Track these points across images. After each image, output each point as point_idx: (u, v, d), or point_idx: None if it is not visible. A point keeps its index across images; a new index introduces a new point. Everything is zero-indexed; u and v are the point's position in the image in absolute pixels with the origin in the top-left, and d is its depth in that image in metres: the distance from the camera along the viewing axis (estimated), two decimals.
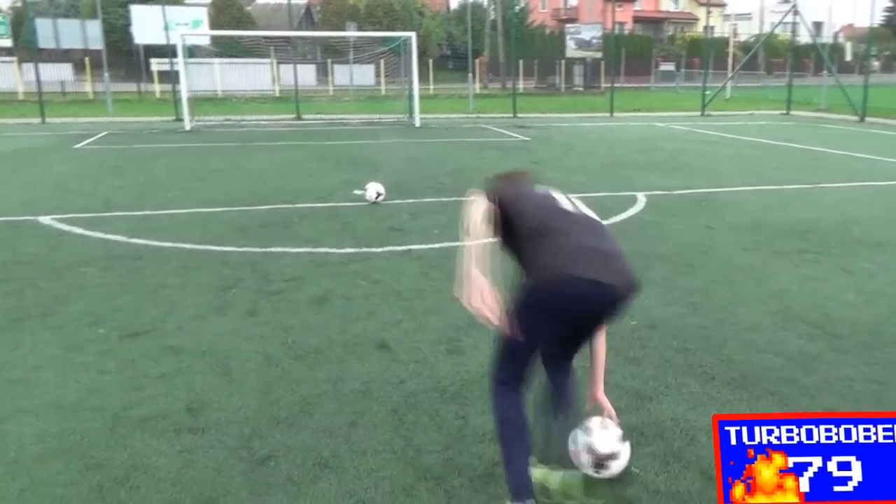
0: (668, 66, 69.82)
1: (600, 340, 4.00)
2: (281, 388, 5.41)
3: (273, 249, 9.15)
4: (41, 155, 18.79)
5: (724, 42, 67.05)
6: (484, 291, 3.42)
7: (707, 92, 35.44)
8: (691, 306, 7.14)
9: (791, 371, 5.68)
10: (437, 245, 9.37)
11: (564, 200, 3.74)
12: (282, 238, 9.75)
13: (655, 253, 9.00)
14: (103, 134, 24.16)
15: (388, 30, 36.65)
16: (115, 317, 6.86)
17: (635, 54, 70.70)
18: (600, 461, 3.85)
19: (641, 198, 12.56)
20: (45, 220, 10.82)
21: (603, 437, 3.88)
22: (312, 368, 5.75)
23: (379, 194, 11.91)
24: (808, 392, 5.32)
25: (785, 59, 50.79)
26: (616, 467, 3.88)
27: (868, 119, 30.48)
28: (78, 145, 21.01)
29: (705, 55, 43.29)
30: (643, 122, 29.68)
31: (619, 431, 3.95)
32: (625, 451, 3.92)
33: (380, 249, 9.08)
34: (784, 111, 35.57)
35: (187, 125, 26.22)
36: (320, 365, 5.82)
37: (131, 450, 4.52)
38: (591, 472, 3.87)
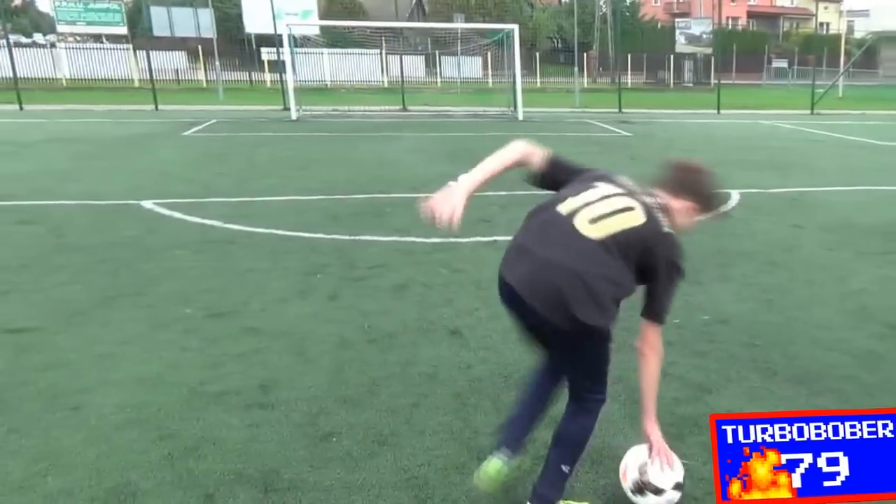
0: (781, 63, 67.90)
1: (643, 369, 3.70)
2: (352, 369, 5.57)
3: (361, 237, 9.33)
4: (150, 141, 19.31)
5: (838, 39, 64.94)
6: (452, 197, 3.47)
7: (818, 90, 34.52)
8: (766, 303, 7.08)
9: (855, 369, 5.63)
10: None
11: (588, 204, 3.47)
12: (371, 226, 9.93)
13: (739, 250, 8.93)
14: (212, 122, 24.72)
15: (497, 21, 36.68)
16: (202, 298, 7.11)
17: (748, 50, 69.04)
18: (642, 487, 3.81)
19: (734, 195, 12.36)
20: (147, 204, 11.18)
21: (660, 471, 3.80)
22: (384, 352, 5.90)
23: None
24: (868, 390, 5.27)
25: None
26: (653, 502, 3.81)
27: None
28: (186, 132, 21.52)
29: (817, 52, 42.04)
30: (749, 120, 29.10)
31: (680, 474, 3.85)
32: (672, 495, 3.80)
33: (465, 240, 9.16)
34: None
35: (293, 114, 26.61)
36: (392, 349, 5.96)
37: (203, 422, 4.74)
38: (628, 491, 3.88)
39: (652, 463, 3.79)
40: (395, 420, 4.81)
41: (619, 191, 3.51)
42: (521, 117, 27.69)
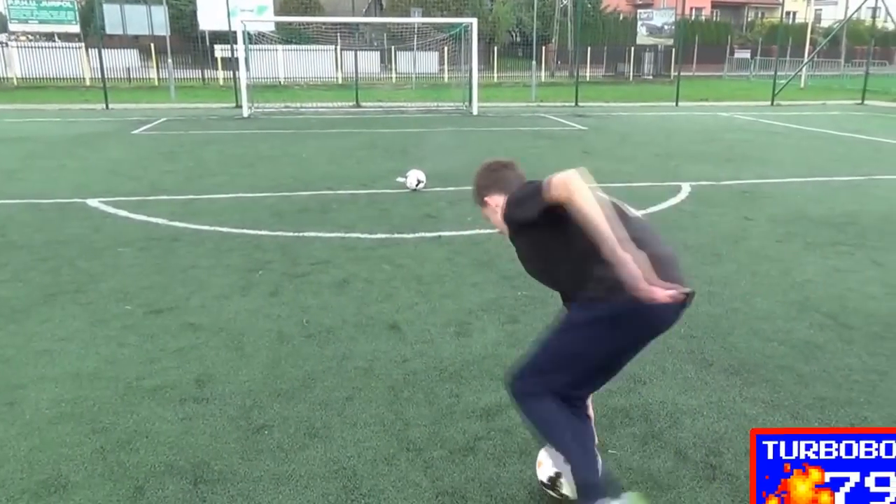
0: (744, 54, 67.80)
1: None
2: (288, 364, 5.57)
3: (306, 234, 9.31)
4: (99, 140, 19.20)
5: (803, 28, 64.79)
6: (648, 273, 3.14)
7: (780, 81, 34.61)
8: (708, 295, 7.10)
9: (792, 359, 5.67)
10: (467, 232, 9.41)
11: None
12: (317, 223, 9.91)
13: (686, 243, 8.95)
14: (162, 120, 24.55)
15: (455, 15, 36.55)
16: (143, 295, 7.11)
17: (711, 41, 68.85)
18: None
19: (686, 188, 12.47)
20: (93, 202, 11.17)
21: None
22: (321, 346, 5.90)
23: (419, 182, 12.02)
24: (803, 380, 5.31)
25: (867, 47, 49.24)
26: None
27: None
28: (136, 131, 21.39)
29: (780, 42, 42.16)
30: (707, 112, 29.17)
31: None
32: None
33: (411, 235, 9.18)
34: (858, 101, 34.71)
35: (245, 112, 26.46)
36: (329, 343, 5.97)
37: (137, 416, 4.76)
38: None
39: None
40: (328, 413, 4.81)
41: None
42: (475, 112, 27.67)
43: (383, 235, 9.20)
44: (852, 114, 29.23)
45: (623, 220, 3.31)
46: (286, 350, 5.83)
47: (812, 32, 59.54)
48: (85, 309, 6.73)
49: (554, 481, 3.79)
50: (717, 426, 4.64)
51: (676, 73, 37.28)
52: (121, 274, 7.76)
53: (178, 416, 4.75)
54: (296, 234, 9.32)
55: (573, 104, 32.13)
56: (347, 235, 9.27)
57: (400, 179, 12.38)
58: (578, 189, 3.15)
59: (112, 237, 9.19)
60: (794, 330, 6.26)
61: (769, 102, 33.53)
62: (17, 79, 42.79)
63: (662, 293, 3.09)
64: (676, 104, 32.84)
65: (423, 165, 12.87)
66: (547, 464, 3.84)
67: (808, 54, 49.43)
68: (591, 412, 3.85)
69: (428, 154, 16.61)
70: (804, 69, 43.76)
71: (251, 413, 4.80)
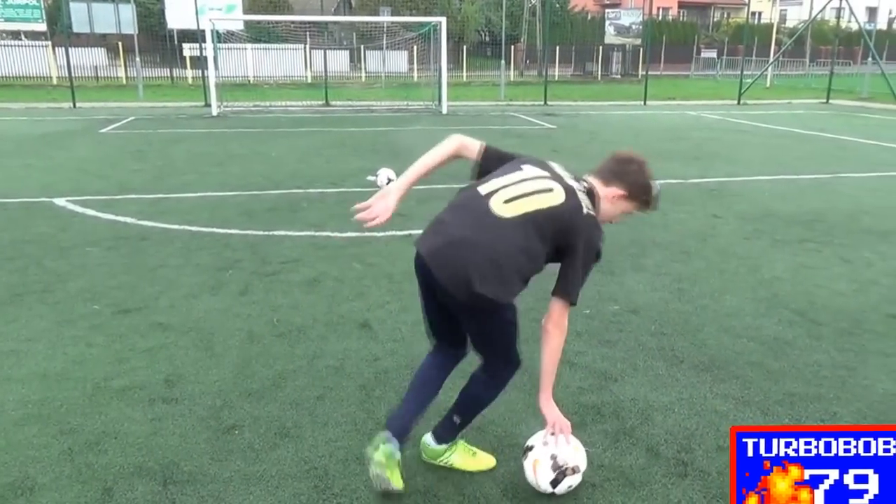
0: (710, 54, 68.02)
1: (547, 346, 3.79)
2: (258, 363, 5.54)
3: (276, 233, 9.26)
4: (66, 139, 18.93)
5: (769, 28, 65.10)
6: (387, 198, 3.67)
7: (745, 80, 34.75)
8: (677, 292, 7.16)
9: (761, 356, 5.71)
10: None
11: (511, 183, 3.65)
12: (286, 222, 9.86)
13: (654, 240, 9.00)
14: (130, 119, 24.26)
15: (425, 14, 36.43)
16: (111, 294, 7.04)
17: (677, 41, 69.06)
18: (563, 472, 3.85)
19: (654, 187, 12.37)
20: (60, 202, 11.03)
21: (573, 450, 3.90)
22: (292, 346, 5.88)
23: (390, 180, 11.89)
24: (773, 376, 5.35)
25: (831, 47, 49.38)
26: (574, 482, 3.90)
27: None
28: (103, 130, 21.10)
29: (746, 42, 42.35)
30: (675, 111, 29.27)
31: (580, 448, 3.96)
32: (582, 467, 3.92)
33: (381, 234, 9.12)
34: (824, 100, 34.84)
35: (214, 111, 26.23)
36: (300, 342, 5.94)
37: (105, 417, 4.71)
38: (547, 486, 3.87)
39: (556, 443, 3.87)
40: (299, 413, 4.79)
41: (543, 174, 3.67)
42: (444, 111, 27.58)
43: (354, 234, 9.14)
44: (817, 112, 29.40)
45: (469, 190, 3.71)
46: (256, 349, 5.79)
47: (777, 32, 59.82)
48: (52, 309, 6.65)
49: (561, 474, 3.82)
50: (689, 423, 4.67)
51: (644, 73, 37.41)
52: (88, 273, 7.68)
53: (148, 417, 4.70)
54: (266, 232, 9.26)
55: (542, 103, 32.11)
56: (318, 234, 9.24)
57: (370, 178, 12.35)
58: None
59: (80, 236, 9.09)
60: (764, 326, 6.31)
61: (736, 101, 33.65)
62: None
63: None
64: (644, 103, 32.86)
65: (393, 164, 12.80)
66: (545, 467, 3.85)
67: (774, 54, 49.71)
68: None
69: (399, 152, 16.50)
70: (770, 69, 44.01)
71: (221, 413, 4.77)
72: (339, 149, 17.49)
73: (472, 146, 3.89)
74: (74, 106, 28.47)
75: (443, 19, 28.21)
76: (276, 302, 6.86)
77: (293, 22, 40.58)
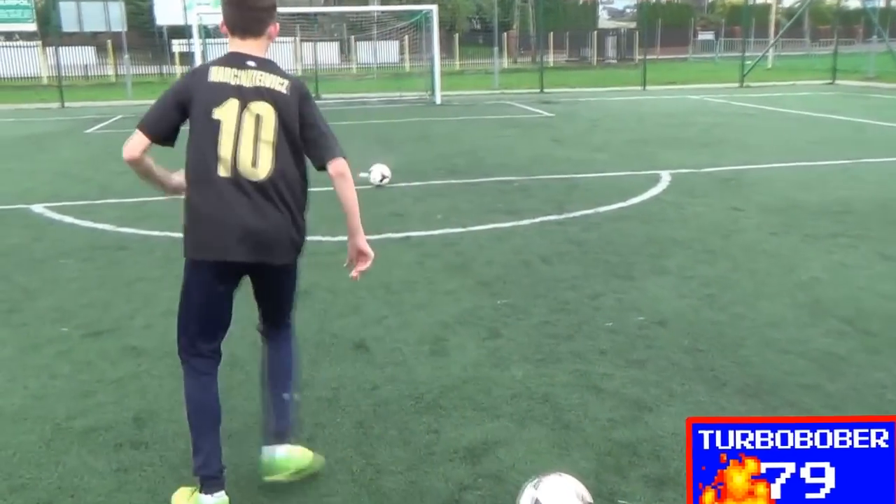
0: (708, 36, 67.15)
1: (346, 194, 3.90)
2: (240, 394, 4.89)
3: None
4: (51, 140, 18.52)
5: (766, 9, 64.22)
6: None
7: (746, 62, 34.01)
8: (707, 299, 6.45)
9: (815, 376, 4.98)
10: (437, 231, 8.79)
11: None
12: None
13: (673, 238, 8.33)
14: (117, 118, 23.81)
15: (415, 3, 35.66)
16: (82, 313, 6.49)
17: (673, 24, 68.32)
18: None
19: (665, 177, 11.80)
20: (38, 208, 10.53)
21: (555, 492, 3.27)
22: None
23: (384, 177, 11.34)
24: (833, 402, 4.61)
25: (832, 26, 48.36)
26: None
27: None
28: (89, 130, 20.70)
29: (745, 23, 41.53)
30: (677, 96, 28.58)
31: (577, 486, 3.32)
32: None
33: (376, 237, 8.41)
34: (829, 81, 33.71)
35: None
36: None
37: (63, 468, 4.10)
38: None
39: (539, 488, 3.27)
40: None
41: (236, 107, 3.50)
42: (438, 101, 27.05)
43: (345, 238, 8.46)
44: (824, 94, 28.59)
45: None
46: (238, 378, 5.12)
47: (776, 13, 59.05)
48: (16, 332, 6.09)
49: None
50: None
51: (642, 57, 36.61)
52: (60, 289, 7.12)
53: (112, 467, 4.08)
54: None
55: (538, 91, 31.51)
56: (308, 238, 8.54)
57: (363, 175, 11.68)
58: None
59: (54, 247, 8.57)
60: (811, 339, 5.58)
61: (738, 84, 32.94)
62: None
63: None
64: (644, 88, 32.19)
65: (387, 159, 12.19)
66: None
67: (774, 34, 48.97)
68: None
69: (393, 146, 15.97)
70: (771, 50, 43.25)
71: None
72: None
73: (139, 143, 3.64)
74: (63, 106, 28.25)
75: (434, 7, 27.64)
76: None
77: (282, 14, 39.94)
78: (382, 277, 7.12)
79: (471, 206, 9.98)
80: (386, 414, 4.60)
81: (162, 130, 3.61)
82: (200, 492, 3.60)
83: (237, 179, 3.48)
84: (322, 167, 3.72)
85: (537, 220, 9.21)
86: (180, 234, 7.13)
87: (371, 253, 4.09)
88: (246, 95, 3.50)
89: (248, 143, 3.48)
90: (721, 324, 5.90)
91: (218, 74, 3.54)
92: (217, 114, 3.48)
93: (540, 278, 7.07)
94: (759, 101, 25.62)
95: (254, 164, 3.49)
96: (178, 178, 3.79)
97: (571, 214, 9.44)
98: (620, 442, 4.18)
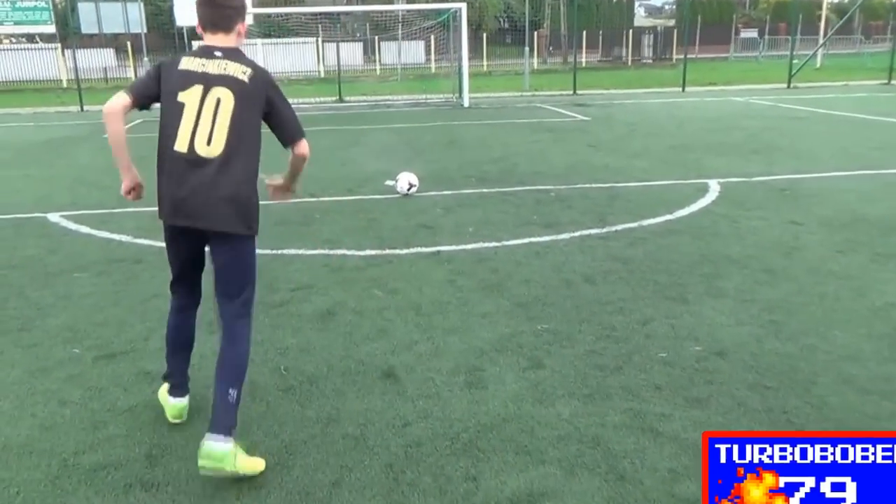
0: (751, 33, 65.96)
1: (299, 168, 4.54)
2: (261, 429, 4.51)
3: (286, 251, 8.21)
4: (70, 145, 18.27)
5: (812, 4, 62.79)
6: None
7: (794, 61, 32.84)
8: (771, 326, 5.87)
9: None
10: (469, 246, 8.29)
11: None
12: (298, 238, 8.77)
13: (728, 256, 7.74)
14: (138, 122, 23.20)
15: (441, 1, 35.18)
16: (95, 333, 6.12)
17: (713, 21, 67.11)
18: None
19: (714, 186, 11.14)
20: (54, 217, 10.23)
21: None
22: (302, 404, 4.82)
23: (411, 185, 10.90)
24: None
25: (886, 21, 46.93)
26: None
27: None
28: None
29: (792, 19, 40.22)
30: (720, 98, 27.63)
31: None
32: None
33: (405, 251, 8.08)
34: (884, 81, 32.56)
35: None
36: (312, 399, 4.88)
37: None
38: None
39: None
40: None
41: (199, 91, 3.99)
42: (466, 104, 26.55)
43: (373, 252, 8.10)
44: (881, 95, 27.43)
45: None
46: (259, 409, 4.74)
47: (822, 9, 57.61)
48: (27, 353, 5.74)
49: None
50: None
51: (682, 57, 35.24)
52: (73, 306, 6.74)
53: None
54: (273, 251, 8.17)
55: (571, 92, 30.93)
56: (332, 252, 8.16)
57: (389, 183, 11.30)
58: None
59: (69, 260, 8.20)
60: (895, 377, 5.02)
61: (785, 85, 31.92)
62: None
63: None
64: (683, 89, 31.32)
65: (414, 166, 11.75)
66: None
67: (823, 31, 47.68)
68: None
69: (419, 152, 15.53)
70: (820, 48, 42.05)
71: None
72: (354, 149, 16.40)
73: (121, 106, 4.12)
74: (82, 109, 28.01)
75: (463, 5, 26.88)
76: (284, 342, 5.81)
77: (304, 14, 39.61)
78: (412, 297, 6.72)
79: (504, 218, 9.47)
80: (419, 456, 4.17)
81: (141, 96, 4.10)
82: (168, 393, 4.63)
83: (192, 155, 3.94)
84: (287, 146, 4.29)
85: (577, 233, 8.67)
86: None
87: (290, 201, 5.06)
88: (210, 81, 3.99)
89: (205, 123, 3.96)
90: (790, 356, 5.34)
91: (187, 63, 4.03)
92: (181, 97, 3.97)
93: (583, 300, 6.54)
94: (809, 103, 24.61)
95: (209, 142, 3.95)
96: (135, 173, 4.43)
97: (614, 228, 8.88)
98: (684, 498, 3.70)
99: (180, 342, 4.61)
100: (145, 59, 34.53)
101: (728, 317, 6.11)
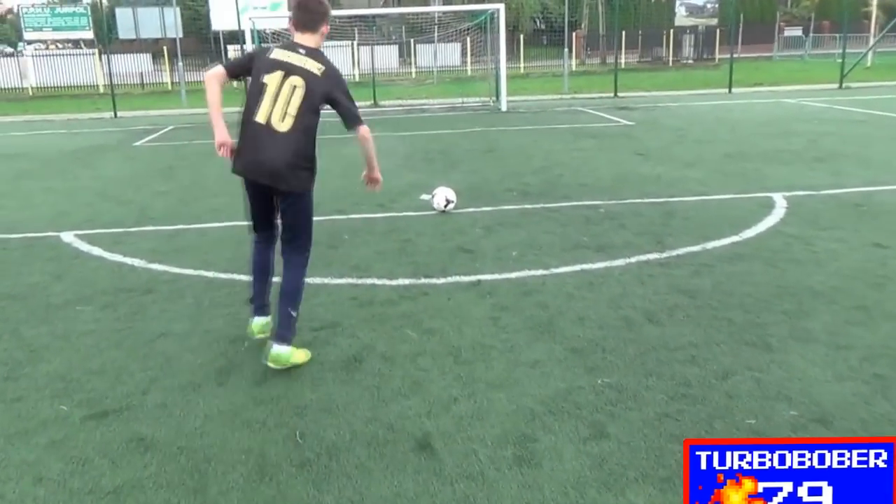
0: (795, 32, 64.61)
1: (369, 147, 5.56)
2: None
3: (311, 281, 7.26)
4: (97, 155, 17.93)
5: (859, 2, 60.97)
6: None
7: (847, 60, 31.44)
8: (878, 382, 4.88)
9: None
10: (513, 274, 7.40)
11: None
12: (324, 263, 7.83)
13: (810, 287, 6.73)
14: (168, 129, 23.16)
15: (480, 2, 34.50)
16: (89, 384, 5.39)
17: (755, 19, 65.88)
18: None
19: (779, 201, 10.10)
20: (68, 236, 9.63)
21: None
22: (318, 486, 4.00)
23: (448, 202, 10.10)
24: None
25: None
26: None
27: None
28: (138, 142, 20.12)
29: (842, 16, 38.79)
30: (769, 99, 26.47)
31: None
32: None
33: (441, 280, 7.25)
34: None
35: None
36: (331, 479, 4.06)
37: None
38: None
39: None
40: None
41: (280, 76, 5.13)
42: (504, 108, 25.83)
43: (407, 281, 7.29)
44: None
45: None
46: (268, 493, 3.95)
47: (866, 6, 55.99)
48: (9, 409, 5.04)
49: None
50: None
51: (728, 56, 34.02)
52: (69, 348, 6.04)
53: None
54: None
55: (612, 95, 30.06)
56: (361, 282, 7.36)
57: (425, 197, 10.49)
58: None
59: (74, 288, 7.53)
60: None
61: (837, 85, 30.61)
62: (32, 88, 42.66)
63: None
64: (730, 91, 30.26)
65: (451, 177, 10.89)
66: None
67: (873, 30, 46.19)
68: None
69: (456, 161, 14.72)
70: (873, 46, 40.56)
71: None
72: (388, 158, 15.41)
73: (220, 75, 5.33)
74: (115, 115, 28.12)
75: (501, 6, 26.24)
76: (303, 397, 5.01)
77: (339, 17, 39.09)
78: (450, 340, 5.88)
79: (551, 240, 8.57)
80: None
81: (233, 70, 5.45)
82: (252, 313, 5.82)
83: (268, 126, 5.08)
84: (349, 130, 5.36)
85: (633, 259, 7.72)
86: (214, 274, 7.87)
87: (381, 182, 6.03)
88: (290, 70, 5.10)
89: (282, 103, 5.08)
90: None
91: (276, 54, 5.18)
92: (265, 78, 5.10)
93: (648, 345, 5.60)
94: (865, 104, 23.24)
95: (282, 119, 5.08)
96: (224, 130, 5.27)
97: (675, 252, 7.91)
98: None
99: (260, 269, 5.73)
100: (180, 63, 34.18)
101: (823, 369, 5.14)
